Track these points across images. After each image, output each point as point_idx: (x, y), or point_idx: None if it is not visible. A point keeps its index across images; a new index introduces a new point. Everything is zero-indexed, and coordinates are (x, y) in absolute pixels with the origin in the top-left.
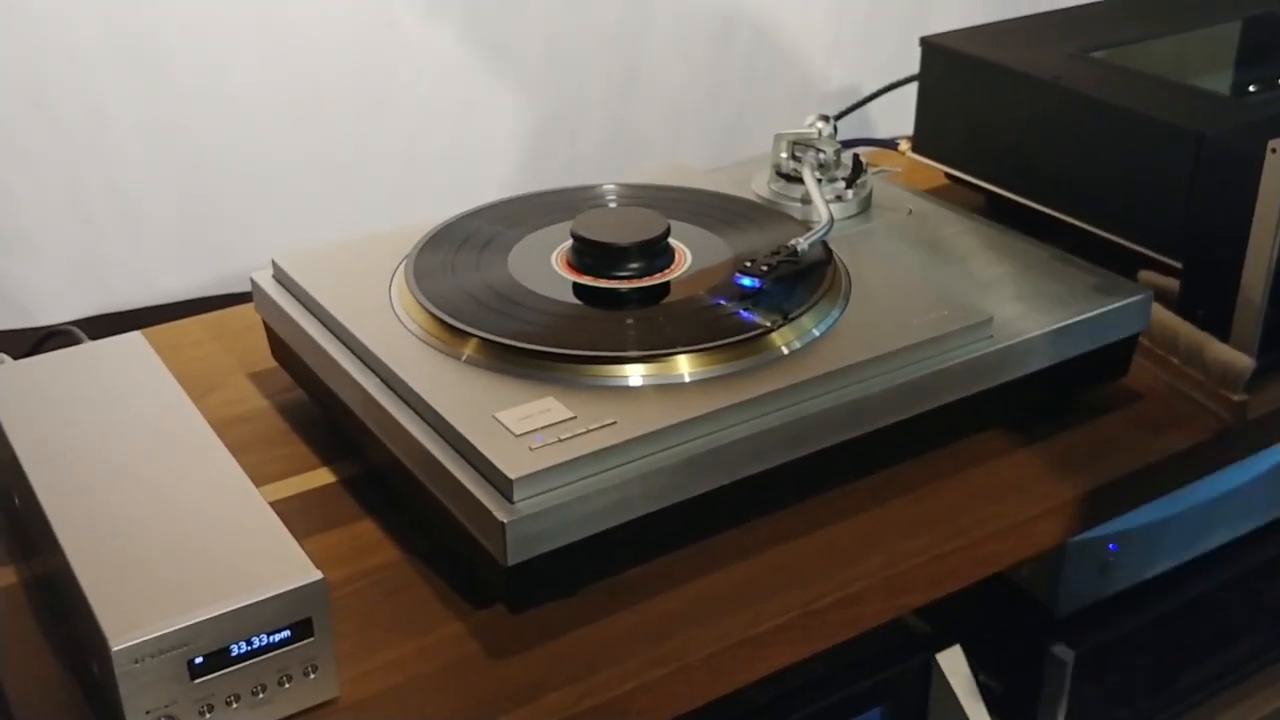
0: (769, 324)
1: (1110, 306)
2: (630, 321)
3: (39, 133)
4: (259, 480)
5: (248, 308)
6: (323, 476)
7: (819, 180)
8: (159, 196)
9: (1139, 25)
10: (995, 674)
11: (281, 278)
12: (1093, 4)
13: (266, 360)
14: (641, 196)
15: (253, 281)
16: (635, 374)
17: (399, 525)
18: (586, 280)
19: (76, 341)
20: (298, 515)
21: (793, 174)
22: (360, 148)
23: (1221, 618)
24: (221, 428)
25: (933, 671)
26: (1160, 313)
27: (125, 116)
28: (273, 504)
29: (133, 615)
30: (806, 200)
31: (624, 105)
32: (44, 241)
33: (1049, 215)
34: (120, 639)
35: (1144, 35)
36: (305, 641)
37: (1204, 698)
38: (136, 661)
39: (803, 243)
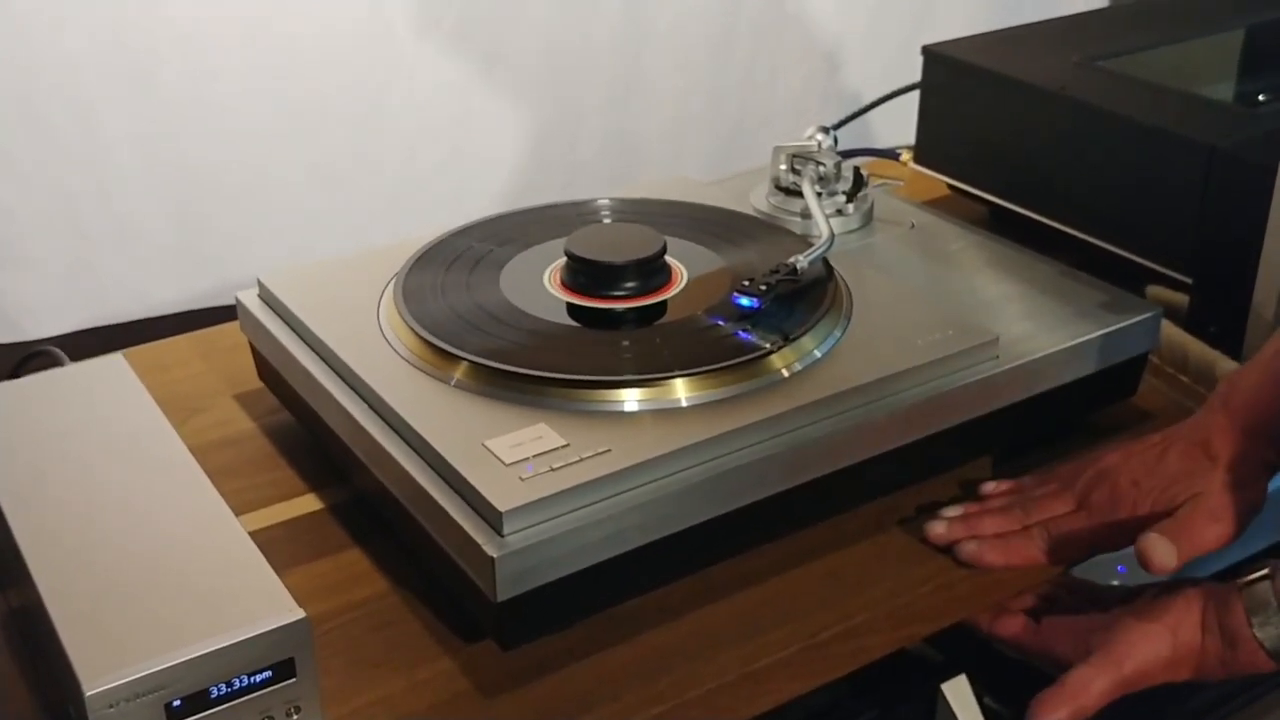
0: (768, 345)
1: (1119, 325)
2: (625, 344)
3: (29, 144)
4: (244, 507)
5: (237, 324)
6: (310, 503)
7: (819, 194)
8: (151, 208)
9: (1144, 33)
10: (1001, 698)
11: (267, 297)
12: (1097, 11)
13: (254, 380)
14: (637, 212)
15: (238, 301)
16: (630, 399)
17: (388, 554)
18: (580, 300)
19: (57, 362)
20: (284, 543)
21: (792, 187)
22: (357, 159)
23: None
24: (206, 452)
25: (938, 703)
26: (1170, 330)
27: (116, 127)
28: (258, 532)
29: (108, 656)
30: (806, 215)
31: (623, 115)
32: (34, 254)
33: (1054, 228)
34: (94, 682)
35: (1149, 43)
36: (288, 682)
37: (1218, 719)
38: (111, 706)
39: (802, 260)
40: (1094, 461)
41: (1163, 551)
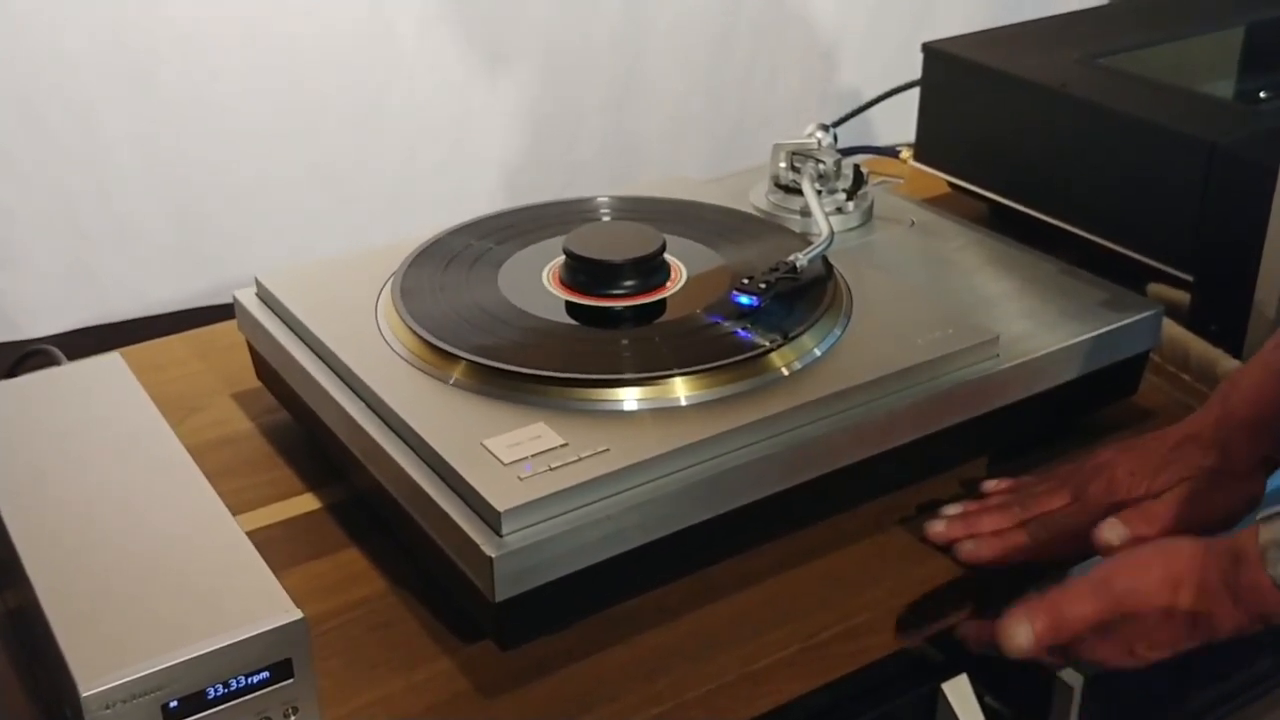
0: (768, 344)
1: (1120, 323)
2: (625, 342)
3: (29, 144)
4: (242, 506)
5: (234, 324)
6: (308, 502)
7: (819, 192)
8: (151, 208)
9: (1145, 30)
10: (1001, 698)
11: (265, 296)
12: (1097, 9)
13: (252, 379)
14: (636, 210)
15: (236, 300)
16: (629, 398)
17: (387, 553)
18: (579, 298)
19: (55, 361)
20: (282, 543)
21: (792, 185)
22: (357, 159)
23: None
24: (204, 451)
25: (938, 702)
26: (1171, 328)
27: (116, 127)
28: (256, 531)
29: (105, 657)
30: (806, 213)
31: (623, 114)
32: (33, 253)
33: (1055, 226)
34: (91, 684)
35: (1150, 40)
36: (285, 683)
37: (1217, 719)
38: (108, 707)
39: (802, 258)
40: (1093, 458)
41: (1114, 535)
